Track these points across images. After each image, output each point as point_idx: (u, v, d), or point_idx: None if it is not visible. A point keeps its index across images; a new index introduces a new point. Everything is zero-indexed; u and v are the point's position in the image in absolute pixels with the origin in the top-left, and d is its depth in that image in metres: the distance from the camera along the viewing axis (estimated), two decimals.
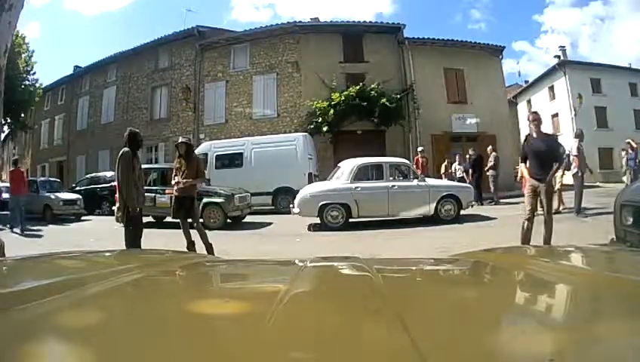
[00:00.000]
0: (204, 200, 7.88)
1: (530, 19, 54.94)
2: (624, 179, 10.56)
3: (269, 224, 8.48)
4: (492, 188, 10.73)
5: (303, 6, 63.61)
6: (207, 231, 5.04)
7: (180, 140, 5.06)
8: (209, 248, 4.67)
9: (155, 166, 10.65)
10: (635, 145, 10.01)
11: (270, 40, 16.10)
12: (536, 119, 4.54)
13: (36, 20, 60.42)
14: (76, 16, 57.56)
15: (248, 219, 8.96)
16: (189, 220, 4.93)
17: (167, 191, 7.61)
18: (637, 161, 9.93)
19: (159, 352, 0.43)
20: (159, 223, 8.48)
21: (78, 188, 12.97)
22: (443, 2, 58.32)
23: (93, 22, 58.50)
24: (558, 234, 4.31)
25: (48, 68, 60.81)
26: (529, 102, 26.26)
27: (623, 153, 10.94)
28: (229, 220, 8.18)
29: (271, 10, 68.17)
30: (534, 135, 4.48)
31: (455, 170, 11.42)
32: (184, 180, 4.82)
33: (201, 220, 7.35)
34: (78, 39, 61.40)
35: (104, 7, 61.80)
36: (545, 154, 4.39)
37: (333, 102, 13.70)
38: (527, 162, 4.55)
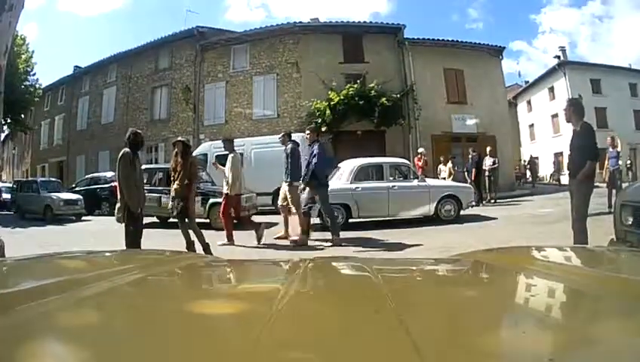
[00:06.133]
0: (211, 200, 7.82)
1: (527, 18, 55.13)
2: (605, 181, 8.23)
3: (269, 224, 8.46)
4: (488, 188, 10.98)
5: (297, 5, 63.63)
6: (212, 230, 5.04)
7: (178, 139, 5.09)
8: (206, 248, 4.69)
9: (161, 166, 10.50)
10: (617, 142, 8.30)
11: (270, 40, 16.11)
12: (573, 105, 4.07)
13: (34, 21, 60.54)
14: (72, 17, 57.79)
15: None
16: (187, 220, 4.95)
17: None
18: (618, 160, 8.32)
19: (159, 352, 0.43)
20: (163, 223, 8.43)
21: (77, 189, 12.95)
22: (439, 1, 58.49)
23: (90, 23, 58.71)
24: (558, 234, 4.29)
25: (48, 68, 61.04)
26: (529, 102, 26.31)
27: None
28: (235, 221, 8.11)
29: (264, 11, 68.23)
30: (574, 126, 4.03)
31: (440, 171, 11.49)
32: (176, 185, 4.85)
33: (207, 220, 7.40)
34: (77, 40, 61.63)
35: (100, 9, 61.82)
36: (576, 148, 3.99)
37: (332, 103, 13.69)
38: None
